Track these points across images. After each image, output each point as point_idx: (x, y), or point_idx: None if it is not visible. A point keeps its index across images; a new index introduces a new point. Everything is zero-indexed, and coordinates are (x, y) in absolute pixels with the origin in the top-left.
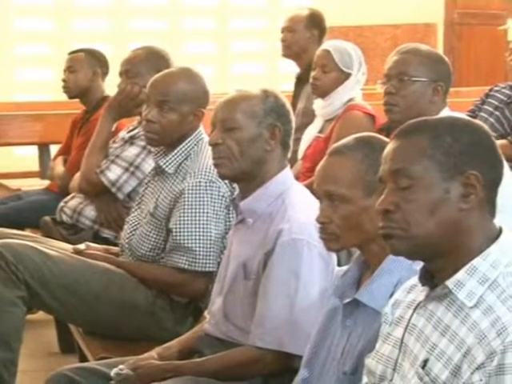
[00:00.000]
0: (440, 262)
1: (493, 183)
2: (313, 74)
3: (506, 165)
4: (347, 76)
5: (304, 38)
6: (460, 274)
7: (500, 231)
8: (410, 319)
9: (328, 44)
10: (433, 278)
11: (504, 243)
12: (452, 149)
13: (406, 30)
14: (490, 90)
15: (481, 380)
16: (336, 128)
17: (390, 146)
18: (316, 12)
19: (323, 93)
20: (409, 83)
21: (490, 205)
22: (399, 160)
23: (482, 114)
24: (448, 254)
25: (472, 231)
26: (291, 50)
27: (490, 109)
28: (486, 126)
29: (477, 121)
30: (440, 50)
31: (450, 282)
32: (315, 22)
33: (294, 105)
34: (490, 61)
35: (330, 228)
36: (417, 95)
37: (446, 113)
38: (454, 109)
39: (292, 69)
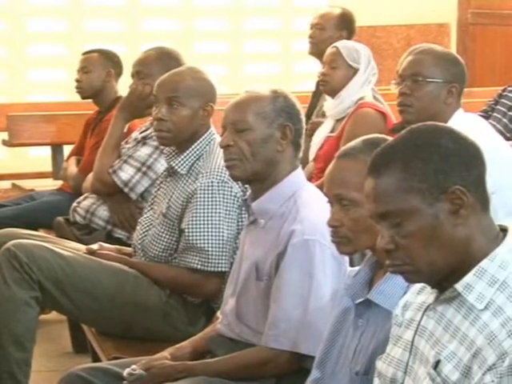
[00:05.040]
0: (453, 275)
1: (478, 182)
2: (321, 70)
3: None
4: (355, 72)
5: (333, 37)
6: (469, 277)
7: (503, 230)
8: (419, 322)
9: (337, 43)
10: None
11: (511, 243)
12: (426, 172)
13: (419, 30)
14: (504, 91)
15: (492, 381)
16: (348, 125)
17: (368, 184)
18: (347, 12)
19: (332, 89)
20: (423, 84)
21: (481, 202)
22: (380, 202)
23: (496, 114)
24: (458, 265)
25: (473, 237)
26: (318, 48)
27: (504, 109)
28: (447, 127)
29: (436, 125)
30: (453, 51)
31: (459, 285)
32: (346, 23)
33: (313, 102)
34: (503, 61)
35: (341, 231)
36: (431, 96)
37: (459, 114)
38: (467, 109)
39: (305, 69)
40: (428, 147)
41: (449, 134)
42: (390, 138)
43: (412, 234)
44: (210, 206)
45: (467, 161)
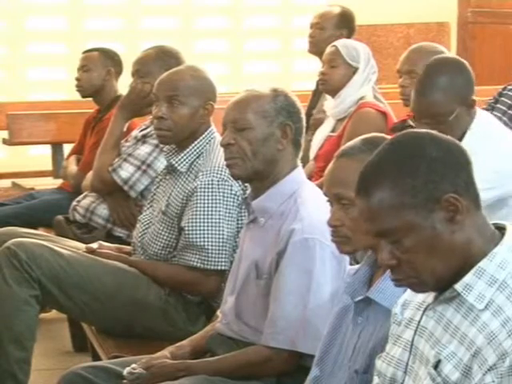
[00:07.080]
0: (455, 278)
1: (468, 183)
2: (321, 70)
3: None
4: (355, 71)
5: (333, 36)
6: (468, 277)
7: (498, 228)
8: (419, 321)
9: (336, 42)
10: None
11: (510, 243)
12: (416, 187)
13: (419, 28)
14: (504, 89)
15: (493, 381)
16: (349, 125)
17: (360, 205)
18: (347, 11)
19: (332, 88)
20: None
21: (474, 201)
22: (375, 222)
23: (495, 112)
24: (459, 268)
25: (471, 240)
26: (318, 47)
27: (504, 108)
28: (428, 134)
29: (416, 133)
30: (453, 49)
31: (458, 286)
32: (345, 22)
33: (313, 100)
34: (503, 60)
35: (341, 231)
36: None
37: (478, 112)
38: None
39: (305, 68)
40: (413, 160)
41: (430, 140)
42: (389, 137)
43: (412, 248)
44: (209, 205)
45: (454, 165)
